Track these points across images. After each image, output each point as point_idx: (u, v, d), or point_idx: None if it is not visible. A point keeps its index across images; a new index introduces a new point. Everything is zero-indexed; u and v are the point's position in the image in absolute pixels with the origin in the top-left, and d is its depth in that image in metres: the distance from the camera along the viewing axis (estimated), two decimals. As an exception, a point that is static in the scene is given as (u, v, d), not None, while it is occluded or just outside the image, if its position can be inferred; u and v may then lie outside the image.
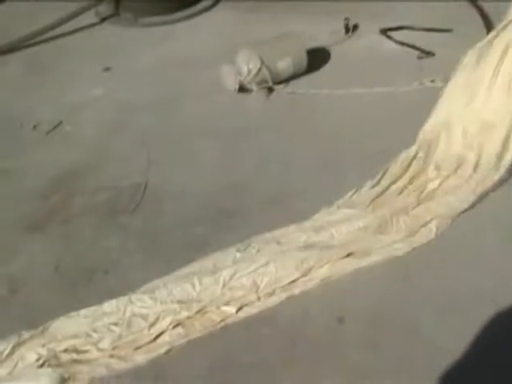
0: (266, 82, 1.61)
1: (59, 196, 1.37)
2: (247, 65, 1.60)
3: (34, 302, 1.10)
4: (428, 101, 1.46)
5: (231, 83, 1.60)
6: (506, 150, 1.32)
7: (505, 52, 1.33)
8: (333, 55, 1.79)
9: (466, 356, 0.95)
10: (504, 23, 1.36)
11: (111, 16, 2.14)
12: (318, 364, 0.96)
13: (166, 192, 1.32)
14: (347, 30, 1.90)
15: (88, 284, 1.12)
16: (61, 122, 1.63)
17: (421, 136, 1.40)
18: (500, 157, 1.30)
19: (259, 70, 1.61)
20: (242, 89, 1.63)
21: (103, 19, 2.14)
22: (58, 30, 2.05)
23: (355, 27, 1.95)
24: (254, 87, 1.59)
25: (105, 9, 2.16)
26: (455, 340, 0.97)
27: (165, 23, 2.08)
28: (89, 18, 2.15)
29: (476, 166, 1.29)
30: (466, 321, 1.00)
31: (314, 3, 2.17)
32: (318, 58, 1.74)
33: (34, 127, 1.61)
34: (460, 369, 0.94)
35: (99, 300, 1.06)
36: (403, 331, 1.00)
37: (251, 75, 1.59)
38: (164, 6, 2.13)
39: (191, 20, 2.12)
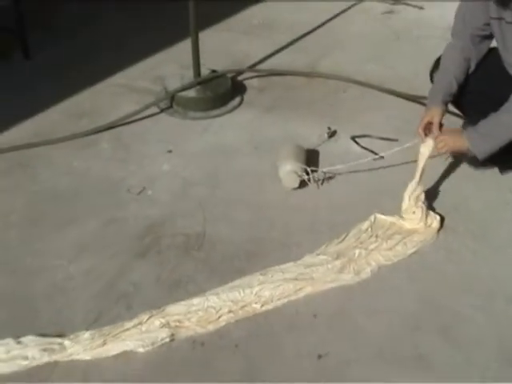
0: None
1: (151, 236, 2.23)
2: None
3: (147, 300, 1.98)
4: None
5: (292, 182, 2.39)
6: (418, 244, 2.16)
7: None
8: (320, 153, 2.68)
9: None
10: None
11: (167, 108, 2.99)
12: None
13: (217, 238, 2.19)
14: (329, 136, 2.78)
15: (178, 289, 2.01)
16: (144, 188, 2.48)
17: (372, 218, 2.27)
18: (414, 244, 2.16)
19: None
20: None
21: (162, 110, 2.99)
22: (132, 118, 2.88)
23: (334, 133, 2.81)
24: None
25: (163, 102, 3.05)
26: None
27: (205, 118, 2.94)
28: (151, 109, 3.00)
29: (398, 243, 2.18)
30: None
31: (307, 109, 3.02)
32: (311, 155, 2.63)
33: (128, 190, 2.44)
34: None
35: (186, 298, 1.96)
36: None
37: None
38: (204, 105, 2.99)
39: (223, 117, 2.96)
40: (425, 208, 2.21)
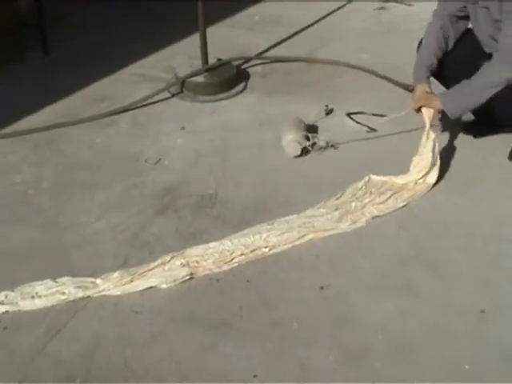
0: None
1: (169, 197, 2.45)
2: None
3: (167, 247, 2.22)
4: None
5: (294, 150, 2.63)
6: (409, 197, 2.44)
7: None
8: (319, 128, 2.91)
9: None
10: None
11: (178, 93, 3.24)
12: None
13: (227, 197, 2.40)
14: (326, 113, 3.03)
15: (195, 238, 2.24)
16: (160, 159, 2.70)
17: (367, 178, 2.53)
18: (403, 199, 2.43)
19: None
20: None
21: (173, 95, 3.24)
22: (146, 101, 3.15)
23: (331, 110, 3.05)
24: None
25: (174, 88, 3.30)
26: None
27: (213, 101, 3.18)
28: (163, 94, 3.28)
29: (390, 197, 2.43)
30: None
31: (306, 91, 3.27)
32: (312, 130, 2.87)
33: (146, 161, 2.66)
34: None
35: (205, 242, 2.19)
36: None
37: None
38: (211, 89, 3.23)
39: (229, 100, 3.20)
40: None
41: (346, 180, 2.49)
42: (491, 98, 2.35)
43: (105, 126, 2.99)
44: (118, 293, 2.01)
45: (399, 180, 2.45)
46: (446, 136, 2.77)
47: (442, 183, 2.49)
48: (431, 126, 2.46)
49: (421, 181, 2.44)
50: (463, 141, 2.77)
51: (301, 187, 2.50)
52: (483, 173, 2.57)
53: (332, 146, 2.72)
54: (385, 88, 3.29)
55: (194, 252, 2.12)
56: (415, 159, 2.46)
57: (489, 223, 2.28)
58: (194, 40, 3.51)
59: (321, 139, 2.71)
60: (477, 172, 2.57)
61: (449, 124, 2.68)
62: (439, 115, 2.50)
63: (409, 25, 4.15)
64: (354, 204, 2.35)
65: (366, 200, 2.38)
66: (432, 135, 2.45)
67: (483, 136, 2.77)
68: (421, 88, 2.55)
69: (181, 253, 2.12)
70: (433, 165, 2.43)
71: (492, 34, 2.45)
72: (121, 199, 2.45)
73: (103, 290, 2.01)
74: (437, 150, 2.45)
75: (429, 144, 2.44)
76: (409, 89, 2.97)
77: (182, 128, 2.95)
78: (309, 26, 4.18)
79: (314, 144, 2.69)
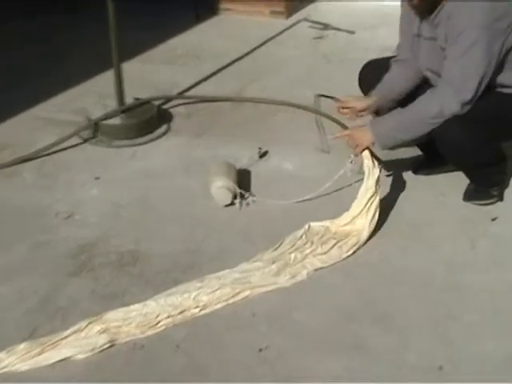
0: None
1: (83, 256, 2.47)
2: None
3: (83, 312, 2.27)
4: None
5: (225, 198, 2.77)
6: (355, 245, 2.53)
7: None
8: (252, 173, 3.05)
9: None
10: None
11: (91, 138, 3.34)
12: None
13: (151, 253, 2.48)
14: (260, 156, 3.17)
15: (114, 300, 2.31)
16: (72, 213, 2.74)
17: (306, 226, 2.68)
18: (350, 246, 2.54)
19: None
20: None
21: (85, 140, 3.33)
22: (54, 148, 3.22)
23: (265, 153, 3.20)
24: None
25: (86, 132, 3.38)
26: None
27: (132, 145, 3.30)
28: (73, 139, 3.34)
29: (332, 247, 2.56)
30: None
31: (237, 133, 3.43)
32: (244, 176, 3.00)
33: (55, 215, 2.76)
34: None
35: (126, 304, 2.26)
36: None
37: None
38: (129, 133, 3.36)
39: (149, 144, 3.34)
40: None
41: (283, 229, 2.63)
42: (434, 133, 2.58)
43: (5, 177, 3.05)
44: (25, 368, 2.04)
45: (342, 221, 2.62)
46: (394, 175, 3.00)
47: (390, 227, 2.67)
48: (374, 162, 2.64)
49: (361, 222, 2.60)
50: (413, 180, 3.00)
51: (234, 239, 2.63)
52: (435, 215, 2.78)
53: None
54: (326, 125, 3.50)
55: (114, 316, 2.19)
56: (354, 203, 2.63)
57: (442, 270, 2.45)
58: (106, 77, 3.65)
59: (249, 197, 2.86)
60: (428, 214, 2.78)
61: (393, 162, 2.93)
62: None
63: (351, 54, 4.45)
64: (293, 255, 2.49)
65: (307, 250, 2.53)
66: (375, 173, 2.63)
67: (434, 174, 3.02)
68: (363, 99, 2.81)
69: (99, 318, 2.19)
70: (371, 207, 2.60)
71: (433, 67, 2.69)
72: (26, 260, 2.50)
73: (7, 366, 2.03)
74: (374, 190, 2.61)
75: (369, 184, 2.62)
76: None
77: (97, 178, 3.05)
78: (238, 59, 4.41)
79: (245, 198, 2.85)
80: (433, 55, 2.66)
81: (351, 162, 2.69)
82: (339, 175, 2.71)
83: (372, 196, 2.59)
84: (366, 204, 2.58)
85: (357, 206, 2.61)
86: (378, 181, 2.62)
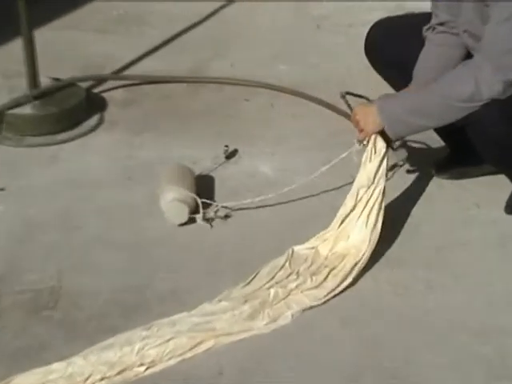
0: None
1: None
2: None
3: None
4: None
5: (179, 215, 2.76)
6: (353, 269, 2.52)
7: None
8: (216, 179, 3.04)
9: None
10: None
11: (-8, 135, 3.28)
12: None
13: (78, 291, 2.44)
14: (227, 156, 3.17)
15: (27, 358, 2.28)
16: None
17: (290, 251, 2.64)
18: (348, 272, 2.54)
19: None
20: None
21: (-15, 139, 3.27)
22: None
23: (234, 152, 3.21)
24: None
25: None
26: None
27: (51, 143, 3.27)
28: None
29: (327, 277, 2.60)
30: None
31: (196, 125, 3.43)
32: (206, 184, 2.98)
33: None
34: None
35: (40, 365, 2.24)
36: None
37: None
38: (47, 126, 3.32)
39: (76, 141, 3.32)
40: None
41: (258, 255, 2.64)
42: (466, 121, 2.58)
43: None
44: None
45: (330, 234, 2.65)
46: (407, 178, 3.03)
47: (404, 250, 2.69)
48: (389, 145, 2.64)
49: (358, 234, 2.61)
50: (435, 185, 3.04)
51: (192, 269, 2.61)
52: (466, 234, 2.80)
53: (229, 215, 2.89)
54: (313, 115, 3.53)
55: (27, 380, 2.17)
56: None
57: (477, 311, 2.44)
58: (11, 50, 3.62)
59: (215, 205, 2.87)
60: (456, 233, 2.79)
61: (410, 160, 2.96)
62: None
63: (347, 18, 4.45)
64: (273, 291, 2.48)
65: (292, 284, 2.52)
66: (378, 164, 2.62)
67: (464, 177, 3.05)
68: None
69: (6, 382, 2.17)
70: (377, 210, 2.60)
71: (473, 29, 2.68)
72: None
73: None
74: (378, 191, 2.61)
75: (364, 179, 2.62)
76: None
77: (1, 189, 3.02)
78: (197, 24, 4.40)
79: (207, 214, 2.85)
80: (474, 13, 2.62)
81: (360, 145, 2.70)
82: (341, 158, 2.75)
83: (372, 197, 2.60)
84: (365, 207, 2.60)
85: (344, 209, 2.65)
86: (380, 175, 2.62)
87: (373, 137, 2.63)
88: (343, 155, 2.73)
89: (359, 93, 2.89)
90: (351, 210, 2.63)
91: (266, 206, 2.91)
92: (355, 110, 2.73)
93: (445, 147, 3.15)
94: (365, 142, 2.66)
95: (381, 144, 2.62)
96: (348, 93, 2.92)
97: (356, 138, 2.70)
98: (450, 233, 2.82)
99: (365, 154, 2.65)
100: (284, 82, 3.71)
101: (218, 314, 2.41)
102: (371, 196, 2.61)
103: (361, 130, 2.67)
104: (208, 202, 2.86)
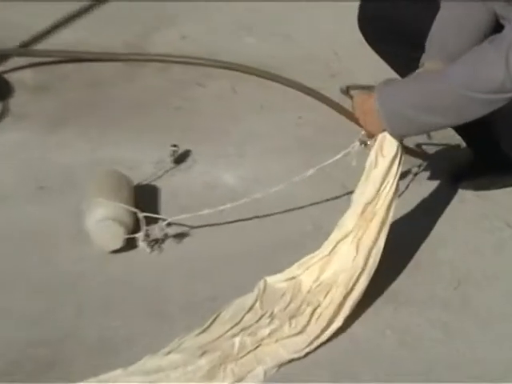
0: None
1: None
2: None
3: None
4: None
5: (112, 238, 2.75)
6: (343, 305, 2.53)
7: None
8: (162, 191, 3.06)
9: None
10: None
11: None
12: None
13: None
14: (175, 159, 3.17)
15: None
16: None
17: (262, 286, 2.66)
18: (337, 311, 2.61)
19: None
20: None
21: None
22: None
23: (186, 155, 3.23)
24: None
25: None
26: None
27: None
28: None
29: (310, 319, 2.63)
30: None
31: (133, 120, 3.46)
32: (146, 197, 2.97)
33: None
34: None
35: None
36: None
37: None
38: None
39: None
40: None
41: (219, 290, 2.66)
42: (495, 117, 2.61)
43: None
44: None
45: (316, 261, 2.65)
46: (420, 189, 3.06)
47: (413, 285, 2.70)
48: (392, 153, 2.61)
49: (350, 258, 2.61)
50: (456, 198, 3.07)
51: (131, 310, 2.61)
52: (492, 263, 2.82)
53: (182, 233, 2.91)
54: (290, 104, 3.58)
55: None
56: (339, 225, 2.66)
57: (508, 366, 2.45)
58: None
59: (161, 221, 2.87)
60: (480, 261, 2.82)
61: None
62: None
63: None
64: (238, 341, 2.48)
65: (264, 331, 2.51)
66: (385, 172, 2.61)
67: (490, 189, 3.10)
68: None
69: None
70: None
71: None
72: None
73: None
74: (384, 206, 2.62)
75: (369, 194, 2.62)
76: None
77: None
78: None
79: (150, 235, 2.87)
80: None
81: (362, 145, 2.71)
82: (333, 161, 2.74)
83: (377, 214, 2.61)
84: (366, 227, 2.60)
85: (341, 231, 2.64)
86: (388, 185, 2.62)
87: (380, 136, 2.63)
88: (337, 157, 2.74)
89: (361, 83, 2.92)
90: (349, 232, 2.61)
91: (231, 222, 2.94)
92: (353, 104, 2.74)
93: (468, 150, 3.19)
94: (369, 142, 2.67)
95: (390, 145, 2.62)
96: (351, 87, 2.93)
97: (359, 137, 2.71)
98: (474, 261, 2.84)
99: (369, 159, 2.63)
100: (251, 61, 3.71)
101: (165, 371, 2.40)
102: (376, 213, 2.60)
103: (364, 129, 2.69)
104: (153, 216, 2.87)
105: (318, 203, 2.98)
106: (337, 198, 2.93)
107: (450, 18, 2.81)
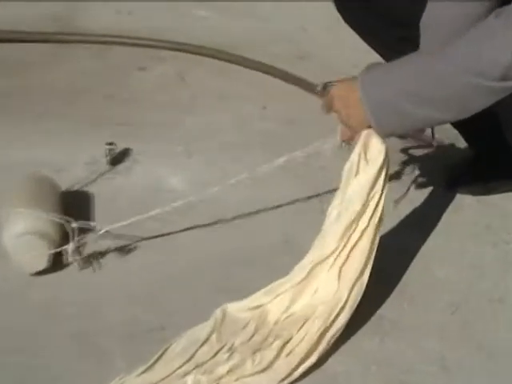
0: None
1: None
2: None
3: None
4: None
5: (34, 258, 2.71)
6: (320, 341, 2.62)
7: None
8: (96, 197, 3.05)
9: None
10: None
11: None
12: None
13: None
14: (111, 161, 3.18)
15: None
16: None
17: (220, 314, 2.71)
18: (313, 347, 2.61)
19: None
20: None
21: None
22: None
23: (124, 153, 3.24)
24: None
25: None
26: None
27: None
28: None
29: (279, 355, 2.61)
30: None
31: (60, 113, 3.47)
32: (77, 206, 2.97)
33: None
34: None
35: None
36: None
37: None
38: None
39: None
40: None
41: (167, 318, 2.65)
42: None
43: None
44: None
45: (288, 286, 2.63)
46: (413, 195, 3.08)
47: (403, 311, 2.71)
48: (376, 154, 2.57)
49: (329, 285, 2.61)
50: (450, 205, 3.10)
51: (59, 346, 2.58)
52: (497, 283, 2.82)
53: (122, 246, 2.90)
54: (253, 92, 3.56)
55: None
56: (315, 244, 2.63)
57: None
58: None
59: (98, 230, 2.85)
60: (482, 280, 2.82)
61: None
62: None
63: None
64: (190, 380, 2.48)
65: (222, 368, 2.51)
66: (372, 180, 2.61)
67: (492, 194, 3.13)
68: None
69: None
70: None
71: None
72: None
73: None
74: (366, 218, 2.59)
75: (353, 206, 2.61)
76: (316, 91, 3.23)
77: None
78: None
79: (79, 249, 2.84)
80: None
81: (344, 145, 2.70)
82: (305, 152, 2.76)
83: (365, 231, 2.58)
84: (349, 247, 2.58)
85: (318, 253, 2.62)
86: (377, 196, 2.60)
87: (363, 134, 2.60)
88: (308, 150, 2.77)
89: (340, 72, 2.90)
90: (329, 256, 2.59)
91: (180, 231, 2.96)
92: (331, 93, 2.68)
93: (467, 149, 3.22)
94: (352, 142, 2.64)
95: (378, 146, 2.59)
96: (330, 83, 2.92)
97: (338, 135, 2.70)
98: (475, 280, 2.85)
99: (349, 162, 2.61)
100: (204, 40, 3.72)
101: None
102: (362, 234, 2.58)
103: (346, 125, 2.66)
104: (84, 226, 2.83)
105: (285, 210, 2.98)
106: (309, 203, 2.96)
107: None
